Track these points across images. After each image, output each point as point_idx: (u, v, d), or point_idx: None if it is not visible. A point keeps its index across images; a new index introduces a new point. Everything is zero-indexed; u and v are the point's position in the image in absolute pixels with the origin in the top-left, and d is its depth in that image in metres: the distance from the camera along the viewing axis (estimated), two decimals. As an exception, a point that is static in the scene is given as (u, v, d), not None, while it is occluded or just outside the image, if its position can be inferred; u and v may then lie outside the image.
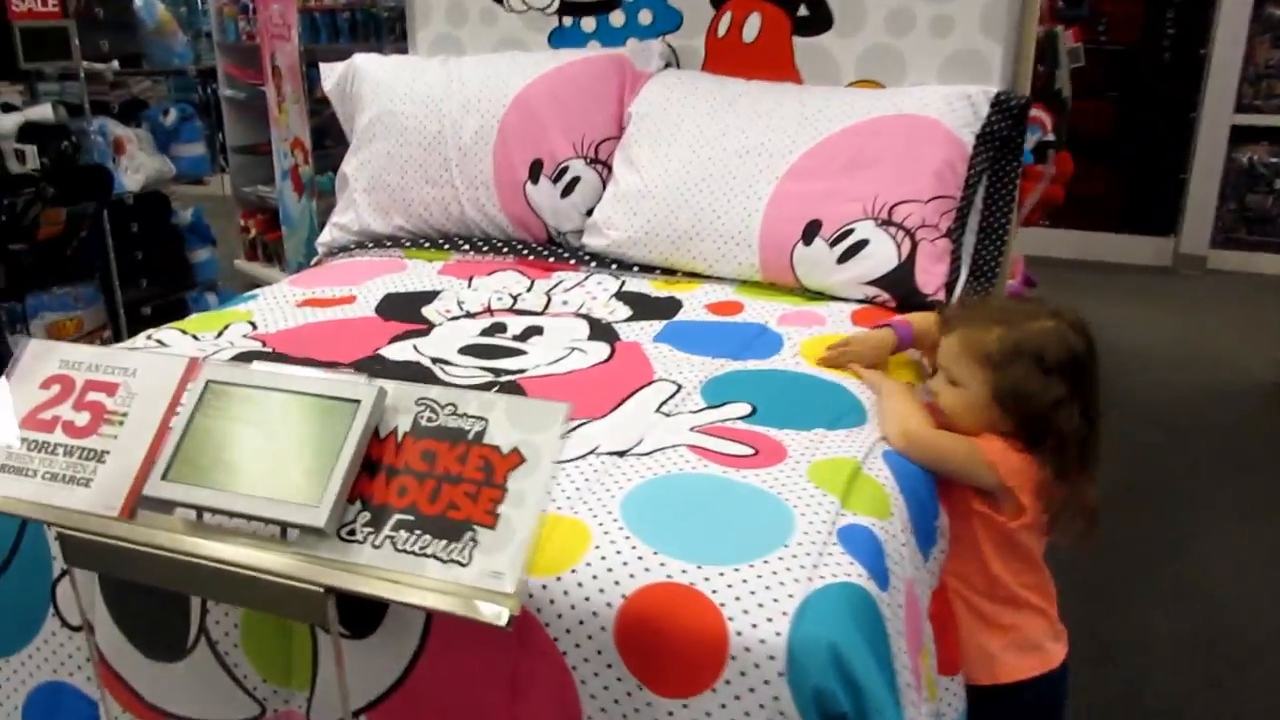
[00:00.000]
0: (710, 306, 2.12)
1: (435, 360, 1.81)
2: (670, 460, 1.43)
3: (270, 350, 1.87)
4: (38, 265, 3.46)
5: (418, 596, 0.97)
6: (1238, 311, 5.38)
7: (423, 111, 2.52)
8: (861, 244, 2.15)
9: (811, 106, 2.29)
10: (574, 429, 1.53)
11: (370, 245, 2.54)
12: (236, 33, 5.29)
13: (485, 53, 2.73)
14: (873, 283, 2.15)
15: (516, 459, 1.01)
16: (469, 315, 2.08)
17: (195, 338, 1.96)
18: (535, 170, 2.46)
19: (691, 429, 1.54)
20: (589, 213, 2.48)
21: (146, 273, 3.83)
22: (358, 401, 1.05)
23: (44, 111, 3.35)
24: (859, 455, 1.50)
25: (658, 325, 2.01)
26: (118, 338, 3.70)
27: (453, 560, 0.98)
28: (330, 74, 2.71)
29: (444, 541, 0.99)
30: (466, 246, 2.47)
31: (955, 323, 1.63)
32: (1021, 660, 1.61)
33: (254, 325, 2.02)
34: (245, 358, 1.82)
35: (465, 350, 1.87)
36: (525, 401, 1.05)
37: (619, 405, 1.63)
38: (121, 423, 1.17)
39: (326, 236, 2.65)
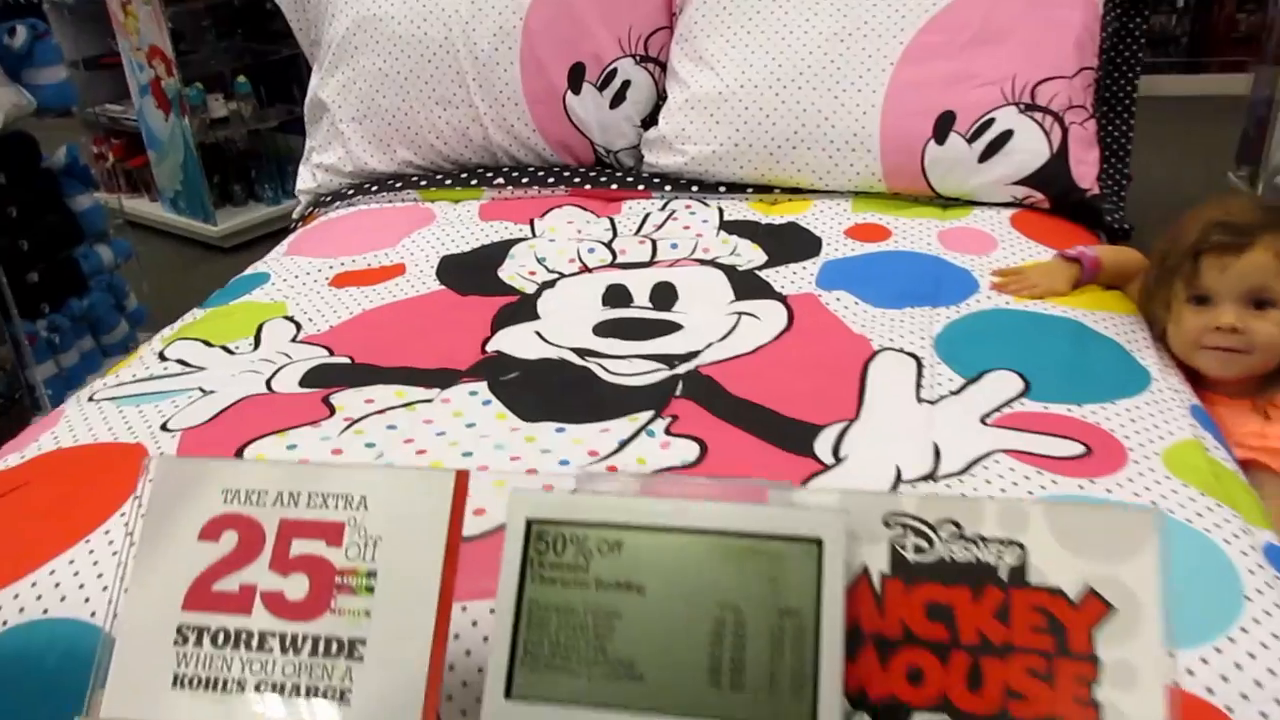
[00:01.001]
0: (852, 233, 1.75)
1: (580, 353, 1.40)
2: (1005, 480, 1.09)
3: (349, 361, 1.42)
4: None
5: None
6: (1158, 137, 5.30)
7: (419, 14, 2.00)
8: (1005, 136, 1.80)
9: (920, -30, 1.90)
10: (838, 439, 1.17)
11: (372, 188, 2.05)
12: (55, -80, 4.43)
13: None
14: (1022, 181, 1.81)
15: (1098, 608, 0.65)
16: (563, 276, 1.66)
17: (229, 350, 1.49)
18: (576, 76, 2.00)
19: (984, 421, 1.20)
20: (642, 124, 2.04)
21: (24, 232, 3.16)
22: (817, 541, 0.67)
23: None
24: (1190, 434, 1.19)
25: (810, 268, 1.63)
26: (5, 315, 3.06)
27: (1051, 788, 0.62)
28: (277, -27, 2.14)
29: (1020, 755, 0.63)
30: (499, 180, 2.01)
31: (1243, 234, 1.31)
32: None
33: (296, 324, 1.55)
34: (321, 377, 1.37)
35: (602, 330, 1.46)
36: (1071, 509, 0.69)
37: (862, 396, 1.27)
38: (370, 589, 0.75)
39: (309, 182, 2.13)
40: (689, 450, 1.16)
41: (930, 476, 1.10)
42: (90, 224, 3.43)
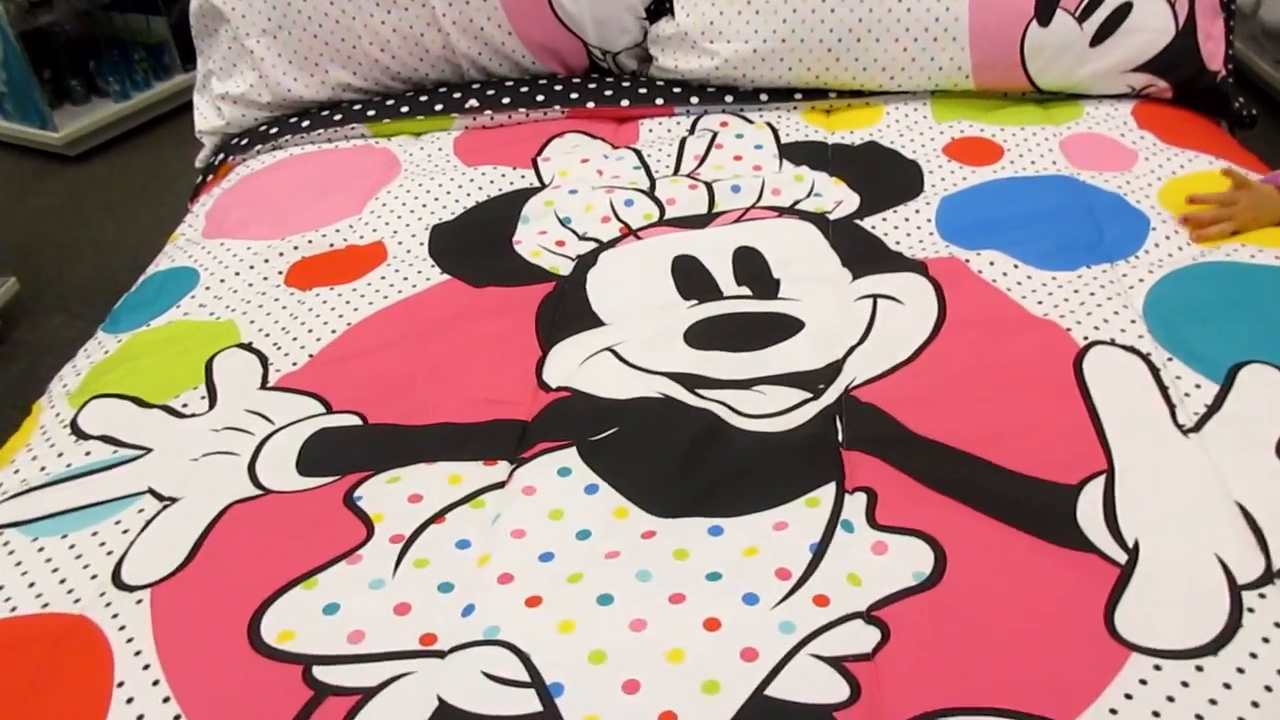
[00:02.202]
0: (953, 153, 1.38)
1: (686, 382, 1.02)
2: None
3: (359, 420, 1.01)
4: None
5: None
6: None
7: (344, -119, 1.49)
8: (1123, 10, 1.45)
9: None
10: (1107, 511, 0.84)
11: (302, 123, 1.56)
12: None
13: None
14: (1142, 67, 1.46)
15: None
16: (602, 245, 1.25)
17: (175, 412, 1.05)
18: (562, -41, 1.53)
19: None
20: (648, 13, 1.60)
21: None
22: None
23: None
24: None
25: (924, 210, 1.26)
26: None
27: None
28: None
29: None
30: (472, 101, 1.55)
31: None
32: None
33: (261, 357, 1.12)
34: (327, 455, 0.96)
35: (697, 338, 1.08)
36: None
37: (1099, 427, 0.93)
38: None
39: (212, 119, 1.63)
40: (919, 556, 0.81)
41: (1269, 575, 0.78)
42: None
